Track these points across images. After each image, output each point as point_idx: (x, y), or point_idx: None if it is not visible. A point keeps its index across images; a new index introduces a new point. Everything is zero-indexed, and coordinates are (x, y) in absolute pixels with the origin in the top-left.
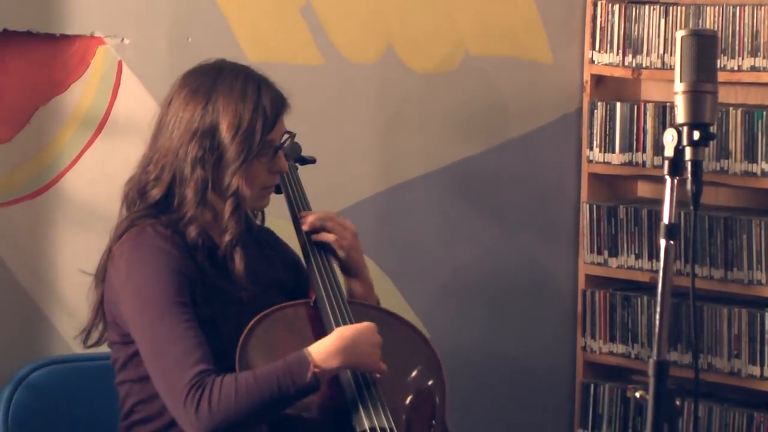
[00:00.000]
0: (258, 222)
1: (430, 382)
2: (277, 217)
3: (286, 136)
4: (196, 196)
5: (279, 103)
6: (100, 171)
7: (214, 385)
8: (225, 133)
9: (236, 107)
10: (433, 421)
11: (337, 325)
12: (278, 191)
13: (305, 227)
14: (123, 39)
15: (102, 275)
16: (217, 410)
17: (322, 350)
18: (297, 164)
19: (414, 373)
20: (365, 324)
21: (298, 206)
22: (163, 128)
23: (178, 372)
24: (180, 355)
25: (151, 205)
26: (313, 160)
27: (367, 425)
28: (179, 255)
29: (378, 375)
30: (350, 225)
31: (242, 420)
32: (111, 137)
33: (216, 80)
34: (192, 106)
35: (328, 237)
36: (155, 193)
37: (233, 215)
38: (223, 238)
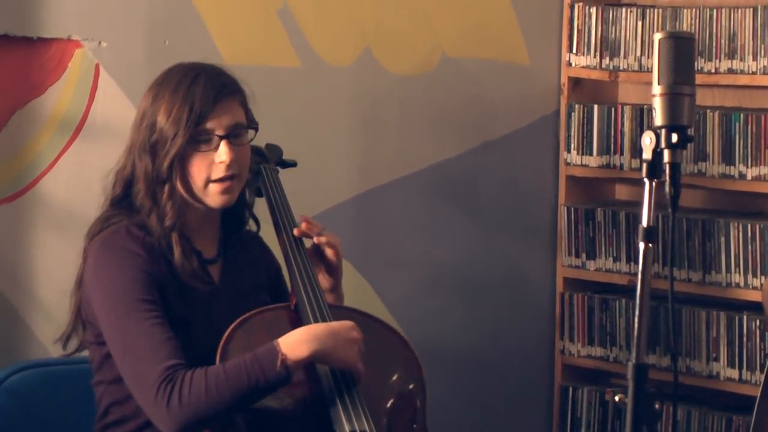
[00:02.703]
0: (254, 230)
1: (410, 386)
2: (265, 223)
3: (250, 132)
4: (145, 186)
5: (212, 93)
6: (77, 174)
7: (185, 379)
8: (160, 122)
9: (170, 97)
10: (414, 425)
11: None
12: (259, 195)
13: (304, 233)
14: (100, 42)
15: (81, 278)
16: (188, 404)
17: (290, 341)
18: (278, 167)
19: (395, 377)
20: (342, 321)
21: (279, 210)
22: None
23: (148, 367)
24: (149, 350)
25: (118, 203)
26: (294, 164)
27: (347, 429)
28: (148, 257)
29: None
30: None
31: (214, 413)
32: (88, 140)
33: (166, 76)
34: (145, 101)
35: (330, 245)
36: (116, 189)
37: (169, 200)
38: (163, 224)
